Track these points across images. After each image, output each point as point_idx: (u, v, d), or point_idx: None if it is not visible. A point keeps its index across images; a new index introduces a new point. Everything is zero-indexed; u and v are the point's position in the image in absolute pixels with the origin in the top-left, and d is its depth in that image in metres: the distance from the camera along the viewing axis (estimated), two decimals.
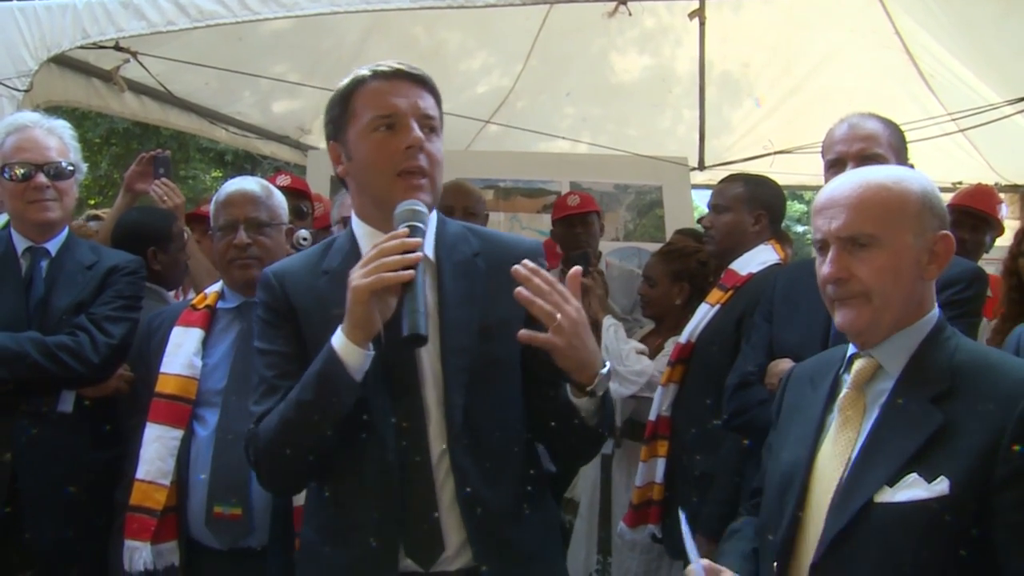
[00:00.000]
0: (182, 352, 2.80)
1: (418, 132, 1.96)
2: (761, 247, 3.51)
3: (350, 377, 1.85)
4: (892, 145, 2.65)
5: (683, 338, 3.58)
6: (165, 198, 3.79)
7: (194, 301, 2.94)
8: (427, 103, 2.01)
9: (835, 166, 2.68)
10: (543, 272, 1.85)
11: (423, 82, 2.02)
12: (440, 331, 1.97)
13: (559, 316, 1.81)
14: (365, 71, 2.00)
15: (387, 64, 2.01)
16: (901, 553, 1.66)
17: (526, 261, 1.85)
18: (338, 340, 1.86)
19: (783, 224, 3.90)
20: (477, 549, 1.96)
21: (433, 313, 1.97)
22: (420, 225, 1.88)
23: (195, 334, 2.82)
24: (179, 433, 2.72)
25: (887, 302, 1.78)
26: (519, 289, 1.82)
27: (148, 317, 3.02)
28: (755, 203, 3.56)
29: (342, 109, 2.02)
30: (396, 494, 1.94)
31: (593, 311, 3.84)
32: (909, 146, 2.78)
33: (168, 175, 3.88)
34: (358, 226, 2.09)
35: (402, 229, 1.86)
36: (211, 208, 2.97)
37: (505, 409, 2.04)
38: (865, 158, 2.54)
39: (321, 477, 2.04)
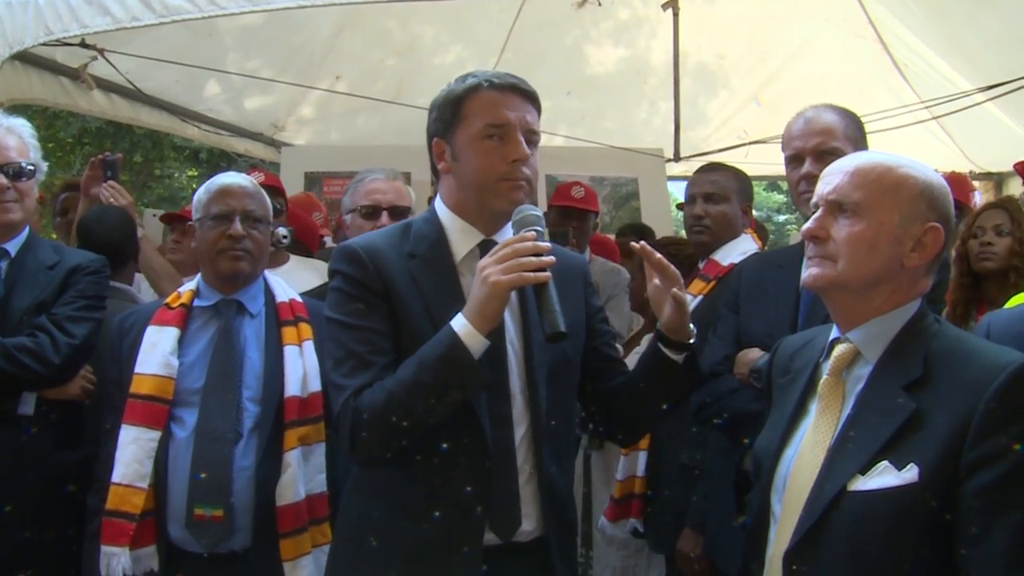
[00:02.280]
0: (157, 352, 2.72)
1: (526, 148, 2.09)
2: (742, 237, 3.51)
3: (477, 364, 1.95)
4: (849, 137, 2.63)
5: None
6: (111, 199, 3.80)
7: (168, 300, 2.86)
8: (533, 118, 2.14)
9: (794, 162, 2.68)
10: (657, 257, 2.09)
11: (532, 98, 2.15)
12: (524, 327, 2.15)
13: (676, 290, 2.07)
14: (480, 79, 2.14)
15: (503, 76, 2.15)
16: (872, 540, 1.66)
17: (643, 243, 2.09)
18: (462, 328, 1.95)
19: (761, 215, 3.90)
20: (547, 523, 2.13)
21: (519, 310, 2.15)
22: (542, 230, 2.01)
23: (170, 333, 2.75)
24: (156, 434, 2.65)
25: (852, 270, 1.79)
26: (658, 256, 2.09)
27: (119, 317, 2.93)
28: (744, 194, 3.56)
29: (454, 111, 2.14)
30: (485, 472, 2.05)
31: None
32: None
33: (115, 177, 3.91)
34: (450, 219, 2.19)
35: (529, 232, 1.98)
36: (199, 197, 2.88)
37: (569, 402, 2.26)
38: (822, 153, 2.55)
39: (404, 454, 2.07)
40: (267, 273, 2.97)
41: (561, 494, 2.19)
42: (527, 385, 2.13)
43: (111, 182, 3.85)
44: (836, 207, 1.82)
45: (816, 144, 2.60)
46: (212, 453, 2.60)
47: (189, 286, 2.88)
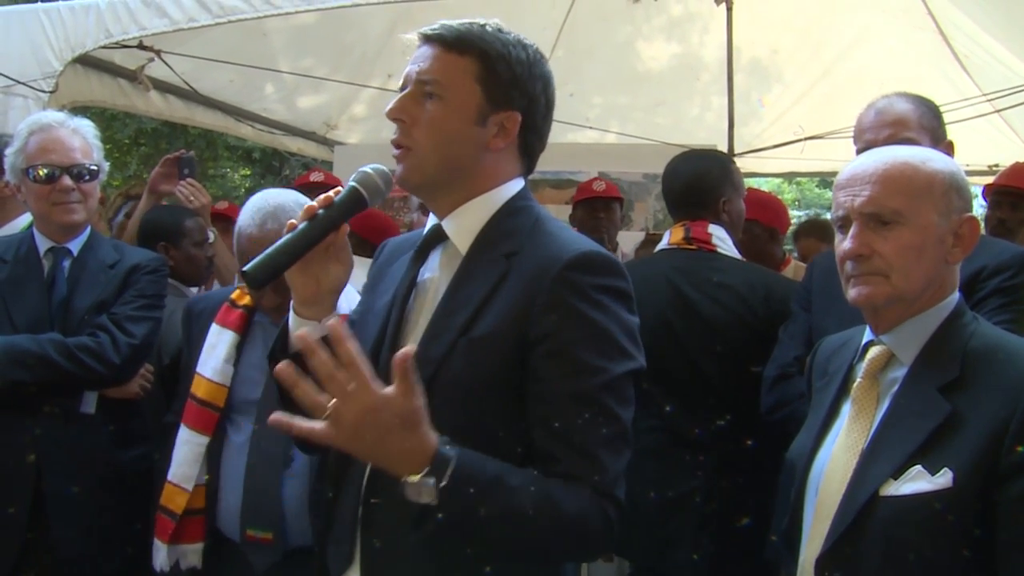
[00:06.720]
0: (215, 355, 2.70)
1: (395, 103, 1.72)
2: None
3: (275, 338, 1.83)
4: (924, 126, 2.50)
5: None
6: (191, 198, 3.79)
7: (234, 295, 2.79)
8: (431, 65, 1.70)
9: None
10: (345, 346, 1.38)
11: (439, 40, 1.73)
12: (425, 335, 1.70)
13: (330, 407, 1.38)
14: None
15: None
16: (905, 547, 1.62)
17: (333, 323, 1.40)
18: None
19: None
20: None
21: (427, 314, 1.73)
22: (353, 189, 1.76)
23: (228, 337, 2.71)
24: (205, 440, 2.64)
25: (907, 281, 1.74)
26: (279, 367, 1.40)
27: (190, 301, 2.94)
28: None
29: None
30: (328, 492, 1.77)
31: None
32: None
33: (193, 175, 3.88)
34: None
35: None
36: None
37: (479, 434, 1.58)
38: (895, 144, 2.46)
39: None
40: None
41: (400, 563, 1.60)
42: None
43: (190, 180, 3.83)
44: (874, 219, 1.75)
45: (888, 136, 2.45)
46: (262, 476, 2.58)
47: None
